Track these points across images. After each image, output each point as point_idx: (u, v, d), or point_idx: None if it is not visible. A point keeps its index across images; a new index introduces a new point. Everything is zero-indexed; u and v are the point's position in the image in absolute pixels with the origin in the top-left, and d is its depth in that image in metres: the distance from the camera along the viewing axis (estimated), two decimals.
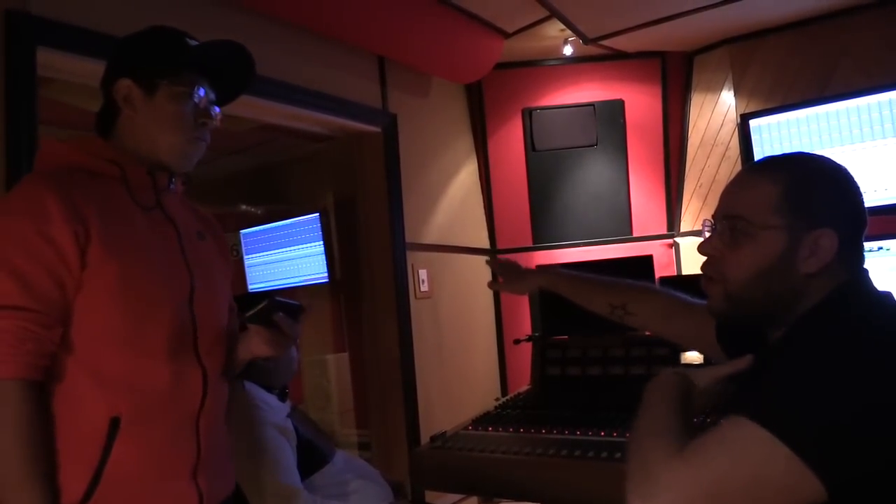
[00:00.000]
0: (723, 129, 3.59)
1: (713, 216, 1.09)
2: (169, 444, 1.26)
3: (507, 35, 3.33)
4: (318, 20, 2.66)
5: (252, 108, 2.64)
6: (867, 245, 1.05)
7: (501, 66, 3.60)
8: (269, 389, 1.87)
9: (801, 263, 0.98)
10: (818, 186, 1.01)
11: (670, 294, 1.49)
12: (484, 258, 3.80)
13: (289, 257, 4.68)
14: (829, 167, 1.04)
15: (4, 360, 1.12)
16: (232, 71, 1.42)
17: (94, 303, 1.20)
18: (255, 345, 1.39)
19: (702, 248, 1.08)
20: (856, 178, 1.03)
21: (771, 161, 1.08)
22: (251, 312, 1.35)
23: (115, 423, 1.19)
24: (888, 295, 0.99)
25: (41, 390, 1.16)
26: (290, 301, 1.38)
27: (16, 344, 1.12)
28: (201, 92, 1.35)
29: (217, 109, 1.39)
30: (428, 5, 2.86)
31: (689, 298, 1.43)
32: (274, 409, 1.83)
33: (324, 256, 4.42)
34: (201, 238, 1.43)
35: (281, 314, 1.36)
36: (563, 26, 3.22)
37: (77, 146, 1.30)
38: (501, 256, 1.48)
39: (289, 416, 1.87)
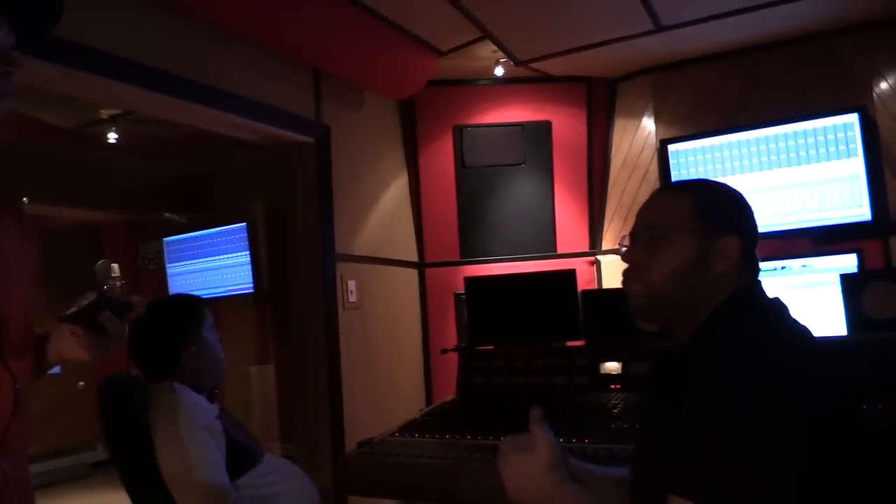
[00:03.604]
0: (643, 152, 3.76)
1: (630, 232, 1.23)
2: None
3: (440, 53, 3.41)
4: (254, 29, 2.67)
5: (185, 112, 2.63)
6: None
7: (434, 84, 3.68)
8: (198, 390, 1.86)
9: (714, 263, 1.13)
10: (724, 200, 1.19)
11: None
12: (413, 270, 3.86)
13: (213, 267, 4.61)
14: (729, 188, 1.21)
15: None
16: (33, 9, 1.14)
17: None
18: (68, 347, 1.15)
19: (625, 256, 1.22)
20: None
21: (679, 183, 1.29)
22: (72, 310, 1.13)
23: None
24: (777, 300, 1.14)
25: None
26: (120, 298, 1.19)
27: None
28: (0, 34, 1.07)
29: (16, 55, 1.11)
30: (364, 20, 2.91)
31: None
32: (203, 409, 1.82)
33: (250, 267, 4.39)
34: None
35: (108, 313, 1.14)
36: (495, 47, 3.33)
37: None
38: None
39: (218, 417, 1.87)
